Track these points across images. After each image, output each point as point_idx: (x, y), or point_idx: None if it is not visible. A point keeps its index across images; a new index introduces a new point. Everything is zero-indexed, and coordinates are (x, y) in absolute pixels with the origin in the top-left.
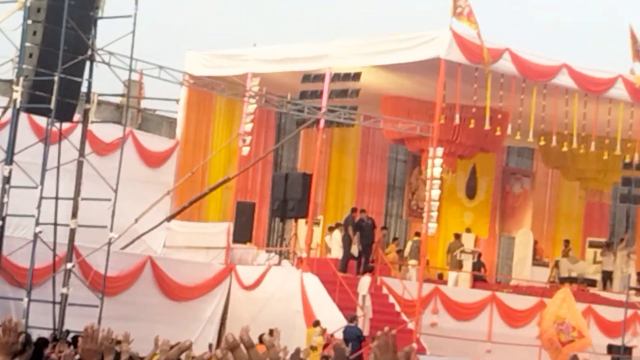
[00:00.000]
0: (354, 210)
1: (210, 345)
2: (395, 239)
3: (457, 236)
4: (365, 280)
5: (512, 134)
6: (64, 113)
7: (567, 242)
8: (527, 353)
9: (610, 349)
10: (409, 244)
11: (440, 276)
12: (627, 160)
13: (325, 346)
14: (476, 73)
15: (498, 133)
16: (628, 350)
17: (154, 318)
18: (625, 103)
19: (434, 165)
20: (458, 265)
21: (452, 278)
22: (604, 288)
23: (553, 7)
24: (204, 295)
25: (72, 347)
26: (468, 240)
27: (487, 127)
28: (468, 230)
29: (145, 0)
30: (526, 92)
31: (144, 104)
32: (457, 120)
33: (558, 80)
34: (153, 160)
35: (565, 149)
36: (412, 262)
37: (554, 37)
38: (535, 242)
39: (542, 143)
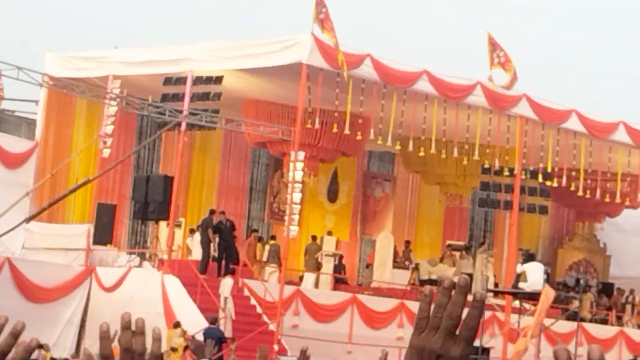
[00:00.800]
0: (212, 212)
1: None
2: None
3: (314, 238)
4: (226, 282)
5: (374, 139)
6: None
7: (407, 242)
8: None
9: None
10: (266, 247)
11: (302, 278)
12: (486, 165)
13: (185, 348)
14: (338, 78)
15: (359, 137)
16: (485, 351)
17: (13, 320)
18: (483, 110)
19: (296, 168)
20: (316, 267)
21: (309, 280)
22: None
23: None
24: (63, 297)
25: None
26: (329, 243)
27: (347, 131)
28: (329, 233)
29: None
30: (387, 97)
31: (3, 105)
32: (317, 125)
33: (418, 86)
34: (12, 161)
35: (422, 153)
36: (272, 266)
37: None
38: (396, 246)
39: (398, 147)
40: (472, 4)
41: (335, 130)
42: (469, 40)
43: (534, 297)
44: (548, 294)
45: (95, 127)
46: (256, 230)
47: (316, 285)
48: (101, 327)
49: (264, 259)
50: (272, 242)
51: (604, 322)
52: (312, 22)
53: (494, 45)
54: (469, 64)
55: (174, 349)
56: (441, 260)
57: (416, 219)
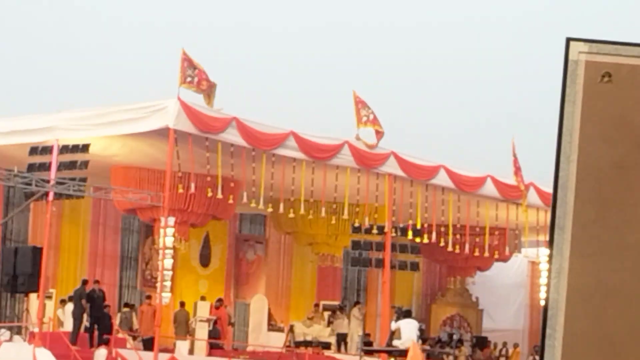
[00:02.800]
0: (85, 282)
1: None
2: (127, 304)
3: (182, 304)
4: (100, 353)
5: (247, 202)
6: None
7: (315, 305)
8: None
9: None
10: (118, 315)
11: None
12: (357, 224)
13: None
14: (207, 142)
15: (231, 201)
16: None
17: None
18: (352, 169)
19: (166, 234)
20: (187, 333)
21: (182, 347)
22: (339, 350)
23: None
24: None
25: None
26: (203, 309)
27: (219, 195)
28: (203, 298)
29: None
30: (256, 160)
31: None
32: (192, 190)
33: (285, 148)
34: None
35: (292, 215)
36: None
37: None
38: (270, 309)
39: (270, 210)
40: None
41: (210, 194)
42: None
43: (407, 354)
44: (416, 350)
45: None
46: (149, 297)
47: (191, 351)
48: None
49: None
50: (125, 309)
51: None
52: (179, 86)
53: (360, 104)
54: (339, 120)
55: None
56: (310, 319)
57: (290, 280)
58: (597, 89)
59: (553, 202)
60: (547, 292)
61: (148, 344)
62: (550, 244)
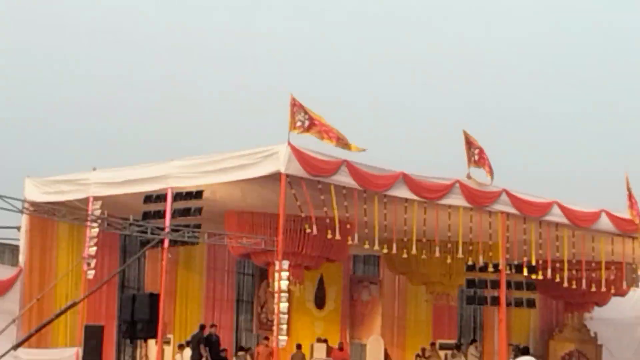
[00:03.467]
0: (202, 327)
1: None
2: (242, 348)
3: (299, 347)
4: None
5: (361, 244)
6: None
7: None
8: None
9: None
10: (234, 359)
11: None
12: (470, 262)
13: None
14: (319, 185)
15: (350, 242)
16: None
17: None
18: (464, 208)
19: (281, 278)
20: None
21: None
22: None
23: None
24: None
25: None
26: (320, 350)
27: (337, 237)
28: (319, 340)
29: None
30: (368, 201)
31: None
32: (314, 231)
33: (396, 189)
34: None
35: (405, 255)
36: None
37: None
38: (386, 349)
39: (385, 251)
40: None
41: (337, 237)
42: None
43: None
44: None
45: (79, 249)
46: (266, 338)
47: None
48: None
49: None
50: (240, 353)
51: None
52: (289, 131)
53: (470, 144)
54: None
55: None
56: (428, 358)
57: (405, 319)
58: None
59: None
60: None
61: None
62: None
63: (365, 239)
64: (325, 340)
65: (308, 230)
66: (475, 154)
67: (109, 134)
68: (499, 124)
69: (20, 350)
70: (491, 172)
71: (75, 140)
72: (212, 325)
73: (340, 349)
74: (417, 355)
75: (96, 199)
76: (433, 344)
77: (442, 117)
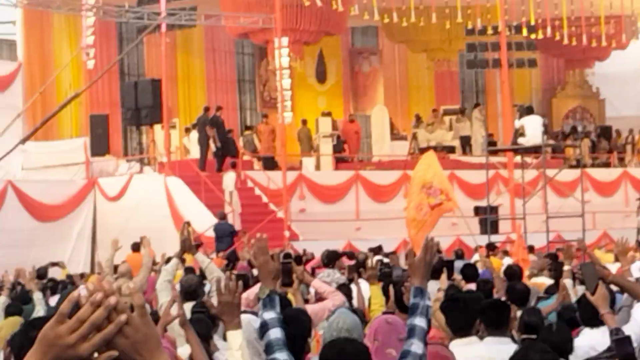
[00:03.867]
0: (207, 109)
1: None
2: (248, 127)
3: (304, 122)
4: (229, 177)
5: (360, 15)
6: None
7: (417, 116)
8: (396, 225)
9: (477, 210)
10: (241, 138)
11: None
12: (470, 26)
13: (197, 246)
14: None
15: (341, 9)
16: (494, 209)
17: (27, 242)
18: None
19: (281, 55)
20: (315, 150)
21: (309, 164)
22: (464, 153)
23: None
24: (71, 212)
25: None
26: (325, 124)
27: (340, 8)
28: (324, 114)
29: None
30: None
31: None
32: (319, 3)
33: None
34: None
35: (405, 24)
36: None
37: None
38: (390, 118)
39: (386, 20)
40: None
41: (319, 5)
42: None
43: (534, 150)
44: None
45: (76, 40)
46: (265, 115)
47: (317, 167)
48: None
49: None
50: (246, 132)
51: (607, 165)
52: None
53: None
54: None
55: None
56: (430, 125)
57: (407, 88)
58: None
59: None
60: None
61: (268, 163)
62: None
63: (364, 9)
64: (329, 114)
65: (307, 3)
66: None
67: None
68: None
69: (29, 144)
70: None
71: None
72: (218, 108)
73: (351, 121)
74: (415, 124)
75: None
76: (435, 110)
77: None
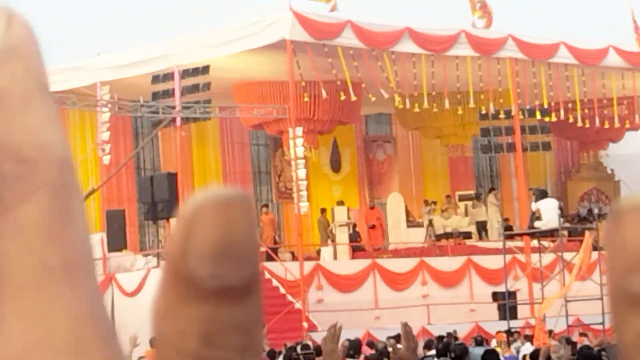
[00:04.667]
0: None
1: None
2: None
3: (323, 211)
4: None
5: (370, 103)
6: None
7: (426, 201)
8: (415, 313)
9: (495, 296)
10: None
11: (319, 252)
12: (483, 111)
13: None
14: (325, 49)
15: (354, 99)
16: (512, 294)
17: None
18: (471, 57)
19: (296, 145)
20: (332, 239)
21: (327, 253)
22: (480, 238)
23: None
24: None
25: None
26: (341, 213)
27: (354, 98)
28: (339, 203)
29: None
30: (376, 59)
31: None
32: (324, 95)
33: (402, 44)
34: None
35: (418, 109)
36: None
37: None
38: (406, 205)
39: (399, 105)
40: None
41: (343, 98)
42: None
43: (551, 234)
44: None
45: (92, 136)
46: (266, 206)
47: (334, 257)
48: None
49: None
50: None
51: None
52: None
53: None
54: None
55: None
56: (445, 211)
57: (422, 175)
58: None
59: None
60: None
61: (269, 254)
62: None
63: (376, 98)
64: (342, 203)
65: (306, 100)
66: (478, 2)
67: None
68: None
69: None
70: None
71: (76, 28)
72: None
73: (372, 207)
74: (428, 209)
75: (104, 83)
76: (448, 196)
77: None
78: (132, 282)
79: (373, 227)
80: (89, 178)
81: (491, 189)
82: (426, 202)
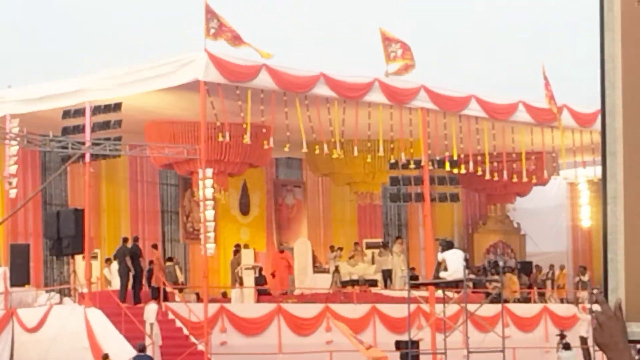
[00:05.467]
0: (125, 239)
1: None
2: (170, 258)
3: (236, 252)
4: (151, 308)
5: (281, 147)
6: None
7: (332, 247)
8: (318, 359)
9: (398, 344)
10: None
11: (225, 294)
12: (393, 160)
13: None
14: (237, 91)
15: (266, 147)
16: (415, 344)
17: None
18: (383, 105)
19: (205, 186)
20: (239, 282)
21: (235, 296)
22: (386, 287)
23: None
24: None
25: None
26: (247, 256)
27: (247, 141)
28: (246, 246)
29: None
30: (289, 104)
31: None
32: (227, 139)
33: (317, 90)
34: None
35: (335, 155)
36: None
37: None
38: (313, 251)
39: (305, 151)
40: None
41: (246, 141)
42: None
43: (455, 285)
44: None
45: None
46: (155, 246)
47: (241, 300)
48: None
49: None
50: (168, 263)
51: (527, 300)
52: (204, 38)
53: (388, 40)
54: (366, 59)
55: None
56: (351, 258)
57: (331, 221)
58: (636, 14)
59: (602, 129)
60: (604, 217)
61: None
62: (603, 170)
63: (287, 142)
64: (246, 246)
65: (221, 139)
66: (398, 49)
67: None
68: (416, 18)
69: None
70: (410, 67)
71: None
72: (135, 239)
73: (281, 251)
74: (334, 255)
75: (13, 116)
76: (357, 244)
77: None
78: (34, 318)
79: (273, 275)
80: None
81: (397, 237)
82: (332, 248)
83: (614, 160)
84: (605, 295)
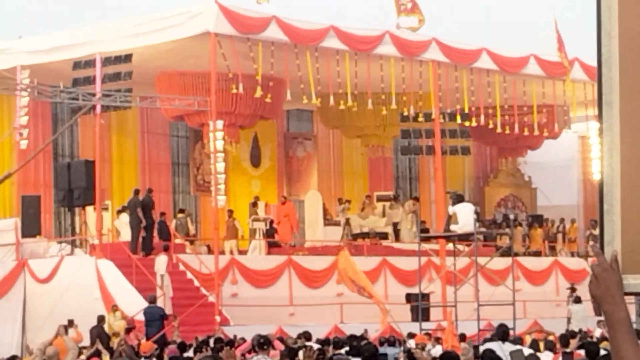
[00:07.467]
0: (137, 191)
1: None
2: (182, 210)
3: (254, 204)
4: (161, 260)
5: (292, 99)
6: None
7: (340, 200)
8: (329, 311)
9: (409, 297)
10: (174, 221)
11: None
12: (405, 113)
13: (128, 330)
14: (248, 43)
15: (268, 100)
16: (425, 296)
17: None
18: (395, 58)
19: (216, 138)
20: (252, 234)
21: (251, 247)
22: (397, 240)
23: None
24: (4, 295)
25: None
26: (258, 208)
27: (259, 94)
28: (257, 198)
29: None
30: (299, 56)
31: None
32: (241, 90)
33: (327, 42)
34: None
35: (343, 107)
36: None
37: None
38: (324, 204)
39: (316, 103)
40: None
41: (258, 94)
42: None
43: (466, 238)
44: (346, 257)
45: (9, 120)
46: (183, 211)
47: (252, 251)
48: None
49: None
50: (179, 215)
51: (538, 254)
52: None
53: None
54: (377, 12)
55: (115, 334)
56: (362, 210)
57: (341, 174)
58: None
59: (598, 79)
60: (601, 168)
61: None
62: (600, 120)
63: (301, 94)
64: (257, 198)
65: (234, 91)
66: (408, 2)
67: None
68: None
69: None
70: (421, 22)
71: None
72: (149, 190)
73: (283, 203)
74: (342, 208)
75: (24, 67)
76: (368, 197)
77: None
78: (45, 269)
79: (277, 224)
80: (5, 162)
81: (413, 198)
82: (340, 201)
83: (610, 110)
84: (601, 248)
